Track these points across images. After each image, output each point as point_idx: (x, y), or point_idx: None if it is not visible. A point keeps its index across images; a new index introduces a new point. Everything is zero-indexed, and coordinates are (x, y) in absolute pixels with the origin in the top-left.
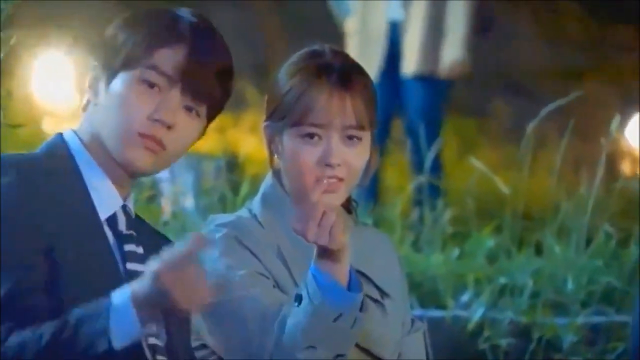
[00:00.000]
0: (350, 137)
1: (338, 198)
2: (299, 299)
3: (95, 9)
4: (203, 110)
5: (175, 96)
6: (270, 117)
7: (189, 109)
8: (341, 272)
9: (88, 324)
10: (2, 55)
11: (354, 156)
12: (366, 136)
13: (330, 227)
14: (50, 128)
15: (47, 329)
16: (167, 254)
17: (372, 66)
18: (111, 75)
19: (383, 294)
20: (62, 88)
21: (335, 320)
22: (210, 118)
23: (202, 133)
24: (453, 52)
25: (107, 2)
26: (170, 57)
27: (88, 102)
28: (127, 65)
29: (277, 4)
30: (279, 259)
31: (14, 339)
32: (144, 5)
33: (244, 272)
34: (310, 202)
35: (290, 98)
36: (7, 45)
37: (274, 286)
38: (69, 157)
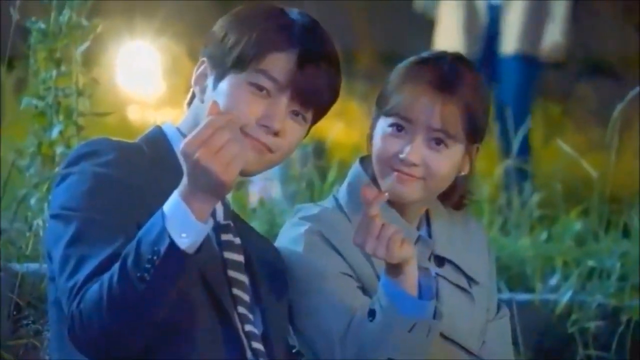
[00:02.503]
0: (438, 142)
1: (410, 193)
2: (372, 314)
3: None
4: (309, 115)
5: (283, 103)
6: (376, 102)
7: (295, 114)
8: (408, 283)
9: (146, 236)
10: (88, 43)
11: (437, 160)
12: (456, 146)
13: (388, 240)
14: (135, 116)
15: (116, 265)
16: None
17: (472, 47)
18: (220, 74)
19: (472, 281)
20: (147, 77)
21: (410, 330)
22: (315, 121)
23: (307, 134)
24: (555, 34)
25: None
26: (280, 63)
27: (193, 97)
28: (236, 66)
29: None
30: (363, 255)
31: (94, 287)
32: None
33: (329, 274)
34: (369, 214)
35: (390, 90)
36: (93, 33)
37: (358, 287)
38: (168, 147)
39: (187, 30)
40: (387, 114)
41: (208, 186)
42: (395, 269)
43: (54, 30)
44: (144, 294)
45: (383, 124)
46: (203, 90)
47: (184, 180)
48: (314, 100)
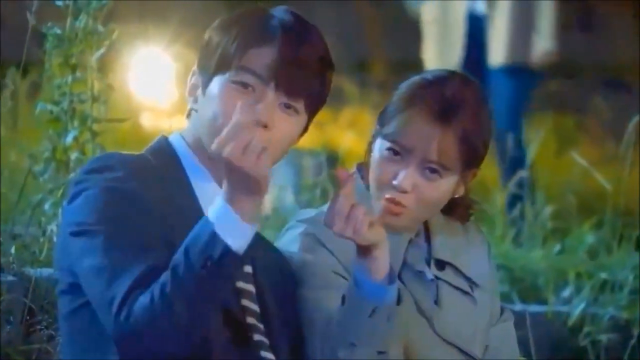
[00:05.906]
0: (432, 171)
1: (398, 222)
2: (343, 299)
3: (193, 6)
4: (301, 106)
5: (269, 95)
6: (378, 118)
7: (286, 107)
8: (376, 267)
9: (194, 245)
10: (104, 49)
11: (428, 189)
12: (451, 176)
13: (356, 220)
14: (148, 123)
15: (164, 277)
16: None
17: (453, 56)
18: (207, 79)
19: (473, 284)
20: (161, 83)
21: (370, 315)
22: (311, 112)
23: (305, 128)
24: (543, 42)
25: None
26: (260, 57)
27: (190, 110)
28: (220, 68)
29: (377, 2)
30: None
31: (143, 299)
32: (242, 3)
33: (319, 271)
34: (339, 195)
35: (391, 111)
36: (109, 39)
37: None
38: (174, 157)
39: (201, 37)
40: (386, 138)
41: (244, 184)
42: (364, 251)
43: (69, 35)
44: (199, 300)
45: (381, 145)
46: (195, 100)
47: (224, 184)
48: (300, 90)
